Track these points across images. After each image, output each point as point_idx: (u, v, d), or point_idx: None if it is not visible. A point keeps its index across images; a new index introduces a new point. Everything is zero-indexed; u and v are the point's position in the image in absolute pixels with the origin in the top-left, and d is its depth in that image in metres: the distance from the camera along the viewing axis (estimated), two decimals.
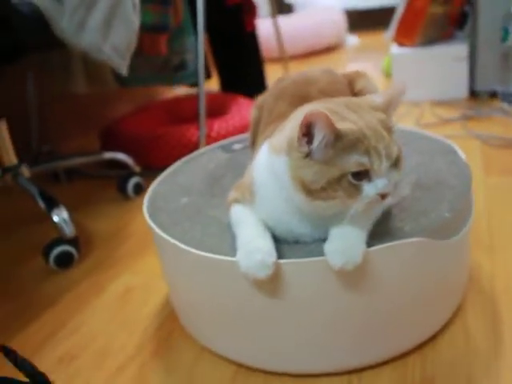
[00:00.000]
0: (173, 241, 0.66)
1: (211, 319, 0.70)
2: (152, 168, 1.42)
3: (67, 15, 0.94)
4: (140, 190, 1.33)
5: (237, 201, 0.67)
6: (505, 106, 1.55)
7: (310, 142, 0.54)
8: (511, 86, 1.56)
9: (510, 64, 1.53)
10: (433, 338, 0.71)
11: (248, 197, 0.64)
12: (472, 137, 1.39)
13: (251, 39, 1.91)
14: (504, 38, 1.52)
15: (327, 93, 0.70)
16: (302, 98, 0.68)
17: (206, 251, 0.63)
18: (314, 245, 0.61)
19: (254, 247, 0.59)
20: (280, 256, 0.60)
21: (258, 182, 0.63)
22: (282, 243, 0.62)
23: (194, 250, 0.64)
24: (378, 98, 0.60)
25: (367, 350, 0.67)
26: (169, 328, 0.82)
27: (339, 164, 0.54)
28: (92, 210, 1.29)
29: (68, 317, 0.88)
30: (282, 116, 0.66)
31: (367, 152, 0.54)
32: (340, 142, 0.53)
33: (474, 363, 0.67)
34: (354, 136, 0.53)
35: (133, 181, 1.31)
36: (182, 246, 0.65)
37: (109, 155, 1.33)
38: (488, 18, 1.55)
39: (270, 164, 0.61)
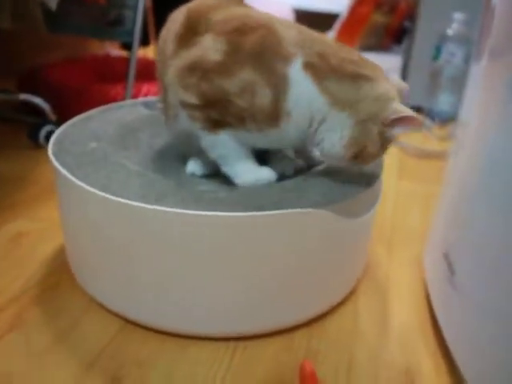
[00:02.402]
0: (70, 176, 0.62)
1: (101, 268, 0.67)
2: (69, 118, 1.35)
3: None
4: None
5: (227, 126, 0.62)
6: (427, 121, 1.63)
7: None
8: (436, 103, 1.63)
9: (438, 83, 1.61)
10: (323, 316, 0.72)
11: (265, 119, 0.60)
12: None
13: None
14: (435, 57, 1.59)
15: None
16: None
17: (106, 193, 0.60)
18: (221, 196, 0.60)
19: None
20: (184, 206, 0.58)
21: (292, 106, 0.59)
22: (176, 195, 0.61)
23: (92, 189, 0.60)
24: None
25: (256, 318, 0.66)
26: (58, 277, 0.77)
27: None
28: None
29: None
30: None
31: None
32: None
33: (357, 342, 0.69)
34: None
35: (46, 128, 1.23)
36: (78, 182, 0.61)
37: (24, 97, 1.24)
38: (424, 35, 1.62)
39: (315, 100, 0.59)
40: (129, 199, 0.59)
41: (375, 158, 0.63)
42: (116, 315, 0.69)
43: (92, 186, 0.61)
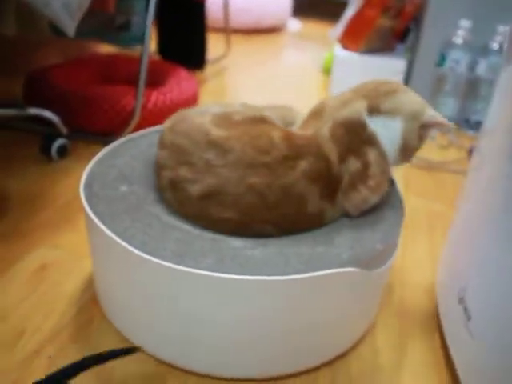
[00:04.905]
0: (116, 238, 0.64)
1: (137, 315, 0.70)
2: (79, 129, 1.36)
3: None
4: (65, 152, 1.26)
5: None
6: None
7: None
8: (438, 109, 1.65)
9: (441, 89, 1.63)
10: (344, 353, 0.77)
11: None
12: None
13: (199, 10, 1.86)
14: (439, 64, 1.60)
15: None
16: None
17: (148, 254, 0.62)
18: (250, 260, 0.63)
19: None
20: (222, 267, 0.61)
21: None
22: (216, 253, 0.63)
23: (137, 252, 0.63)
24: None
25: (281, 361, 0.71)
26: (89, 313, 0.80)
27: None
28: (8, 166, 1.21)
29: None
30: None
31: None
32: None
33: (379, 376, 0.74)
34: None
35: (58, 142, 1.24)
36: (126, 244, 0.63)
37: (34, 111, 1.23)
38: (429, 41, 1.63)
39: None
40: (168, 259, 0.62)
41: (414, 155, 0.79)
42: (151, 356, 0.73)
43: (130, 243, 0.64)
